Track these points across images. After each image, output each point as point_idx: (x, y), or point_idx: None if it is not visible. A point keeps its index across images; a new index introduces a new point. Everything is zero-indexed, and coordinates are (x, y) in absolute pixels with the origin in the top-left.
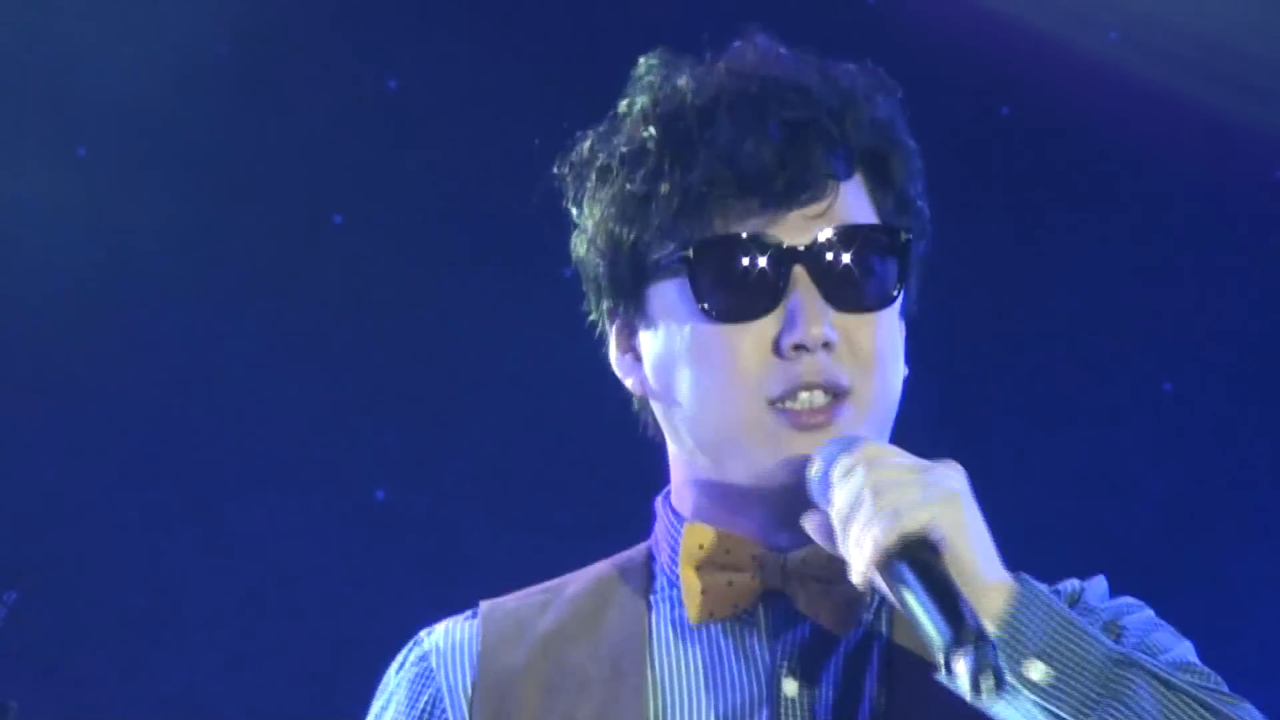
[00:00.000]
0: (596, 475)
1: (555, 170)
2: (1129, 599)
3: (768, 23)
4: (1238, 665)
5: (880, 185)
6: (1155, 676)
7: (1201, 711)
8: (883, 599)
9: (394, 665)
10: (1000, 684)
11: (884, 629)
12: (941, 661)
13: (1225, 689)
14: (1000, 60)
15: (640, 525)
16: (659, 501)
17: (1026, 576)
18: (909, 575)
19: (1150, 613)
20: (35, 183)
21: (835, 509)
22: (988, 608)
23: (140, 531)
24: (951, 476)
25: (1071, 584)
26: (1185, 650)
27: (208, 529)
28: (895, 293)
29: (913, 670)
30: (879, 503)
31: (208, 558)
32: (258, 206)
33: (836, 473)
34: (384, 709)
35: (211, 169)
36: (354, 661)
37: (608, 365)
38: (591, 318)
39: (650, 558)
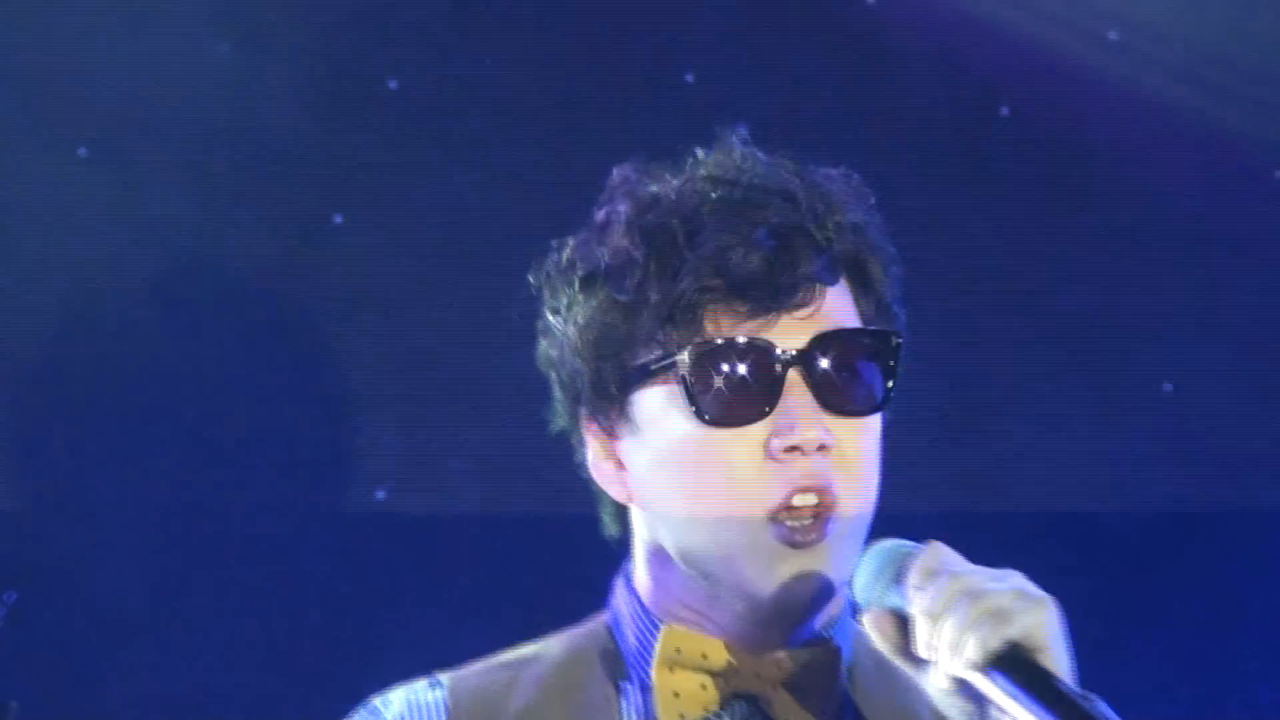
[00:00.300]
0: None
1: (531, 280)
2: None
3: (768, 24)
4: (1237, 665)
5: (862, 290)
6: None
7: None
8: (846, 705)
9: None
10: None
11: None
12: None
13: None
14: (1000, 61)
15: None
16: (620, 583)
17: (1094, 697)
18: (1018, 683)
19: None
20: (36, 183)
21: (922, 609)
22: None
23: (140, 531)
24: (1029, 583)
25: None
26: None
27: (207, 529)
28: (885, 397)
29: None
30: (979, 605)
31: (207, 558)
32: (258, 206)
33: (916, 576)
34: None
35: (212, 169)
36: (354, 661)
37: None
38: (559, 425)
39: (613, 639)
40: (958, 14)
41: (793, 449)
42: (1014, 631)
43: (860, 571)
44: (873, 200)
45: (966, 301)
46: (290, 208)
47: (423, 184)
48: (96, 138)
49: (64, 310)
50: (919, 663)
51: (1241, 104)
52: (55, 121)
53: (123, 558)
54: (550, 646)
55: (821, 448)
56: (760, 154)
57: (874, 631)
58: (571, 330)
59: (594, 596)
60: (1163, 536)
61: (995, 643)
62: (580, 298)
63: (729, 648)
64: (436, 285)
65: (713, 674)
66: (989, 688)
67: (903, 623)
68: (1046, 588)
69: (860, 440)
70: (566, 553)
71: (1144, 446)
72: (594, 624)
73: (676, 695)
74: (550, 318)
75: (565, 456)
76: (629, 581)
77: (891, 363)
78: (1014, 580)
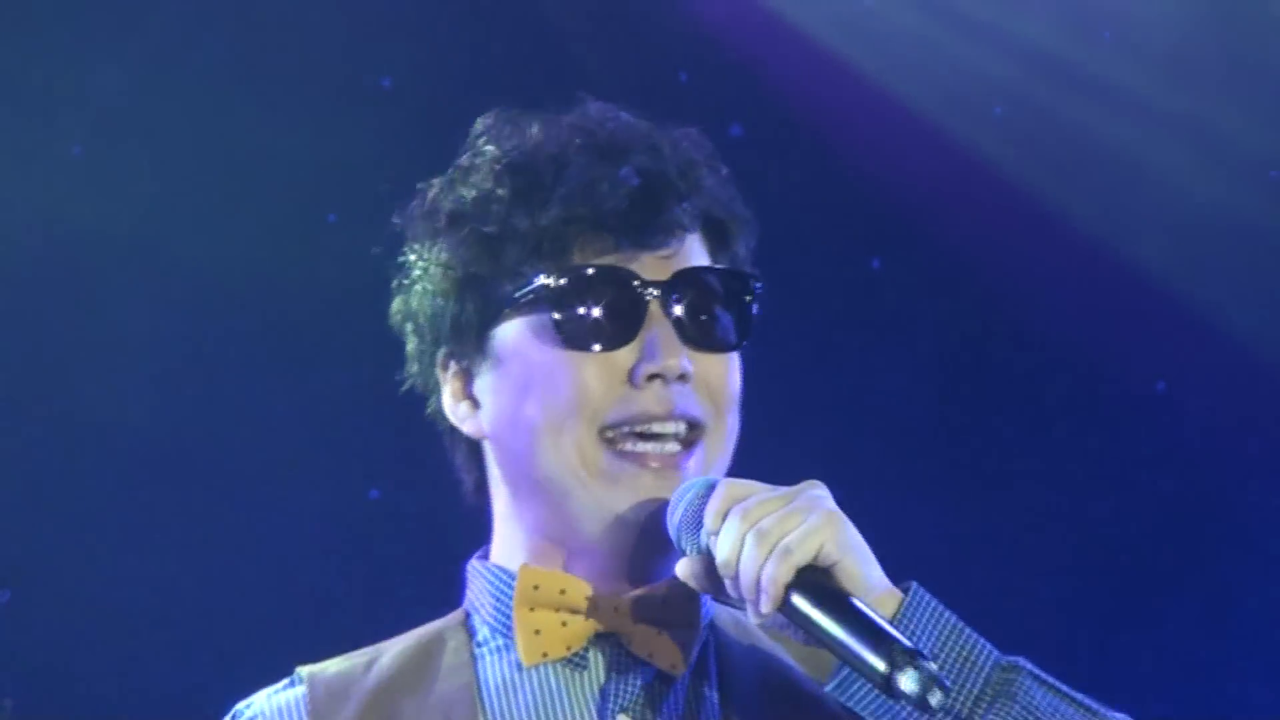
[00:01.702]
0: None
1: (395, 222)
2: None
3: (759, 24)
4: (1233, 664)
5: (719, 248)
6: (1043, 681)
7: (1089, 715)
8: (709, 639)
9: None
10: (947, 692)
11: (713, 668)
12: (883, 684)
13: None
14: (994, 61)
15: None
16: (473, 565)
17: (915, 584)
18: (815, 605)
19: None
20: (31, 182)
21: (722, 558)
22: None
23: (135, 530)
24: (821, 497)
25: None
26: None
27: (203, 528)
28: (742, 337)
29: (746, 707)
30: (765, 542)
31: (202, 557)
32: (252, 206)
33: (710, 520)
34: None
35: (206, 168)
36: None
37: None
38: (409, 370)
39: (466, 618)
40: (952, 16)
41: (655, 376)
42: (801, 557)
43: (670, 515)
44: (724, 170)
45: (961, 302)
46: (285, 207)
47: (417, 183)
48: (92, 137)
49: (60, 310)
50: (735, 602)
51: (1236, 102)
52: (51, 121)
53: (117, 556)
54: (408, 634)
55: (682, 376)
56: (621, 114)
57: (689, 578)
58: (435, 269)
59: None
60: (1159, 537)
61: (787, 574)
62: (445, 236)
63: (587, 583)
64: None
65: (572, 610)
66: (793, 614)
67: (713, 564)
68: (1045, 587)
69: (725, 375)
70: None
71: (1138, 447)
72: (449, 615)
73: (537, 633)
74: (413, 263)
75: None
76: (481, 559)
77: (749, 304)
78: (801, 499)
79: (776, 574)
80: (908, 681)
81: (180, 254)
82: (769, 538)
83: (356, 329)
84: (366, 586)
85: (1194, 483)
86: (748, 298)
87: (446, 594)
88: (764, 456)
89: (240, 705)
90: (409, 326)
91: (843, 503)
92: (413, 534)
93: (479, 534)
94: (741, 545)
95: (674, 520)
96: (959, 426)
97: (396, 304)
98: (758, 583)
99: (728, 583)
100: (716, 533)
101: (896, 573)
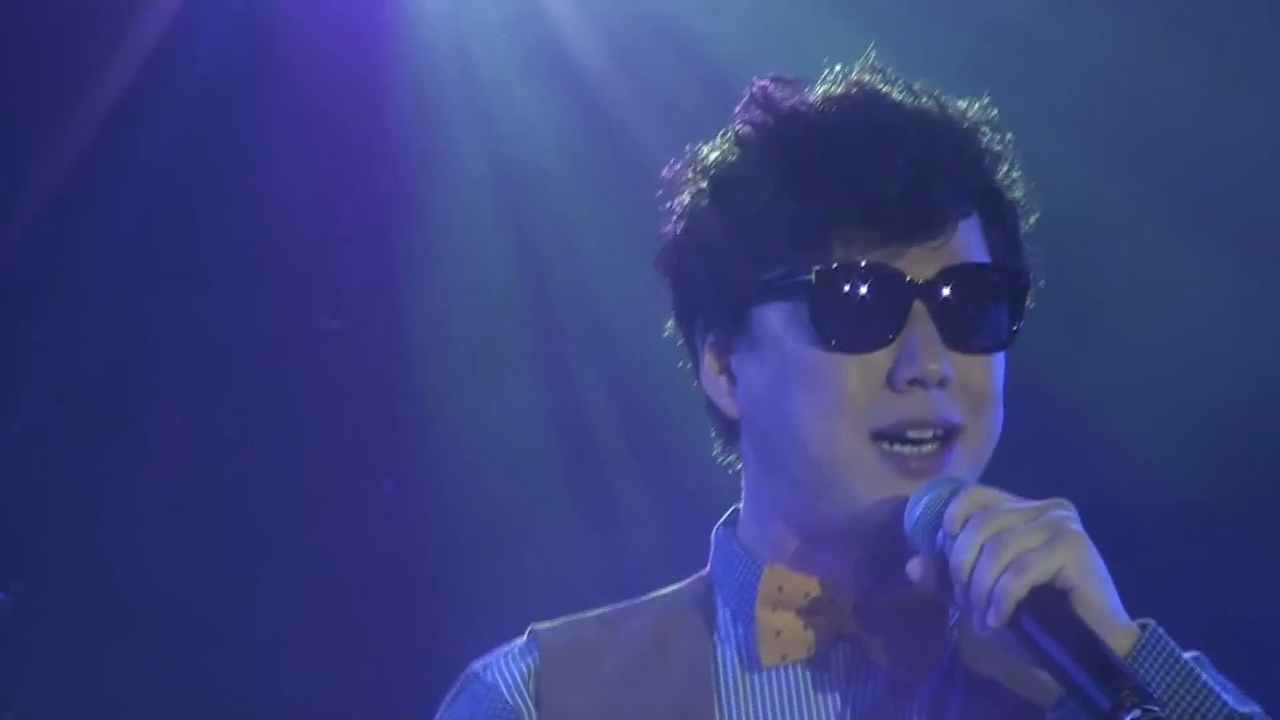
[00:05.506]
0: (604, 466)
1: (666, 177)
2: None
3: None
4: (1237, 665)
5: (994, 223)
6: None
7: None
8: (954, 656)
9: (452, 701)
10: None
11: (958, 680)
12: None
13: None
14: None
15: (646, 517)
16: (720, 532)
17: (1153, 623)
18: (1044, 628)
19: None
20: (35, 181)
21: (958, 561)
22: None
23: (147, 523)
24: (1068, 517)
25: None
26: None
27: (214, 521)
28: (1010, 335)
29: None
30: (1004, 552)
31: (214, 549)
32: (264, 202)
33: (951, 523)
34: None
35: (220, 162)
36: (360, 653)
37: (619, 359)
38: (671, 332)
39: (710, 591)
40: None
41: (914, 381)
42: (1038, 576)
43: (909, 513)
44: (1010, 136)
45: None
46: (296, 204)
47: (426, 178)
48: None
49: (65, 306)
50: (963, 607)
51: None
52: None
53: (130, 550)
54: (648, 603)
55: (942, 381)
56: (900, 78)
57: (919, 579)
58: (699, 236)
59: (597, 587)
60: (1162, 536)
61: (1020, 591)
62: (711, 205)
63: (832, 587)
64: (444, 275)
65: (815, 613)
66: (1020, 632)
67: (945, 568)
68: None
69: (986, 376)
70: (573, 545)
71: (1145, 445)
72: (693, 579)
73: (779, 634)
74: (677, 223)
75: (572, 448)
76: (731, 528)
77: (1018, 301)
78: (1047, 518)
79: (1010, 589)
80: None
81: (190, 247)
82: (1008, 550)
83: (369, 319)
84: (378, 577)
85: (1203, 482)
86: (1018, 293)
87: (459, 583)
88: None
89: (478, 665)
90: (670, 282)
91: None
92: (425, 524)
93: (491, 524)
94: (979, 554)
95: (912, 518)
96: None
97: (662, 255)
98: (990, 594)
99: (957, 589)
100: (954, 536)
101: None
